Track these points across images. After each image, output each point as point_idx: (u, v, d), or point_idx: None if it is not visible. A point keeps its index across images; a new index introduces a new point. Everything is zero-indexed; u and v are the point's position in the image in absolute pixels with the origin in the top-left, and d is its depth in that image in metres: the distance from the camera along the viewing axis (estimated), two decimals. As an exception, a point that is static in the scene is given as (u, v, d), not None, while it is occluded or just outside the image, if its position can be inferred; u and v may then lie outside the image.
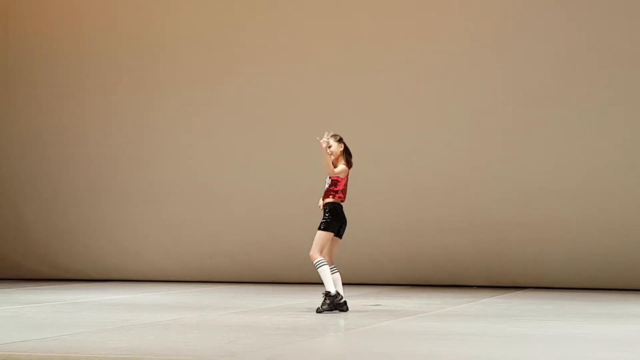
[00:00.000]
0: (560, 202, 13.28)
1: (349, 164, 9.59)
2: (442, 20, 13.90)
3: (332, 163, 9.55)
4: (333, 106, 14.06)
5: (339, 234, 9.58)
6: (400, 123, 13.89)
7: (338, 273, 9.55)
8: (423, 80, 13.88)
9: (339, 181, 9.54)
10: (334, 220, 9.52)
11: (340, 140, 9.61)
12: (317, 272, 9.45)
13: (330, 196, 9.56)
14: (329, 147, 9.51)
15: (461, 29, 13.82)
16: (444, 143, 13.71)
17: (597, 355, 6.49)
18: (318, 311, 9.38)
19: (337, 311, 9.40)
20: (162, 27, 14.87)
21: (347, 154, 9.62)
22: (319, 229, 9.51)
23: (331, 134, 9.61)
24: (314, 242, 9.47)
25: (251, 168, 14.30)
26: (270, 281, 13.96)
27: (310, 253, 9.46)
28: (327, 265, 9.40)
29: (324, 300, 9.42)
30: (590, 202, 13.17)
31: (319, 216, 9.63)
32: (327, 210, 9.53)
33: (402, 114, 13.89)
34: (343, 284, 9.66)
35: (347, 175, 9.59)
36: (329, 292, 9.40)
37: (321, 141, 9.50)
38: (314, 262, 9.43)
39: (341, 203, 9.57)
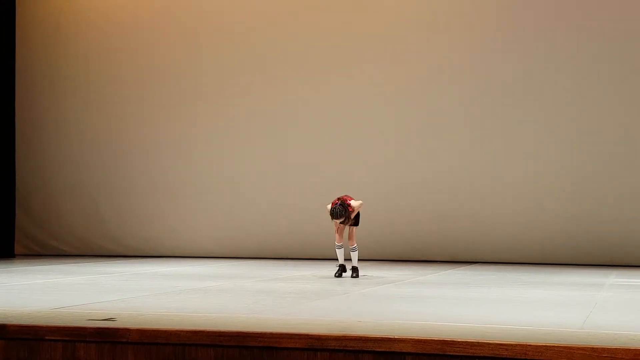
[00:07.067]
0: (504, 197, 13.17)
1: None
2: (422, 25, 13.51)
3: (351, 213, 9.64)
4: (334, 112, 13.80)
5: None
6: (385, 129, 13.60)
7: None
8: (399, 92, 13.57)
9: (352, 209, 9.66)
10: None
11: (349, 206, 9.56)
12: (357, 252, 9.88)
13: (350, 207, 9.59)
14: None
15: (439, 33, 13.42)
16: (417, 147, 13.48)
17: (531, 314, 6.48)
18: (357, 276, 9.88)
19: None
20: (205, 32, 14.52)
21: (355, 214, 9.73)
22: (355, 225, 9.75)
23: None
24: (355, 234, 9.77)
25: (271, 169, 14.15)
26: (284, 257, 13.89)
27: (354, 242, 9.75)
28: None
29: (357, 271, 9.92)
30: (527, 197, 13.05)
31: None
32: (356, 214, 9.71)
33: (385, 122, 13.61)
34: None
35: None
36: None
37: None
38: (355, 245, 9.81)
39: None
